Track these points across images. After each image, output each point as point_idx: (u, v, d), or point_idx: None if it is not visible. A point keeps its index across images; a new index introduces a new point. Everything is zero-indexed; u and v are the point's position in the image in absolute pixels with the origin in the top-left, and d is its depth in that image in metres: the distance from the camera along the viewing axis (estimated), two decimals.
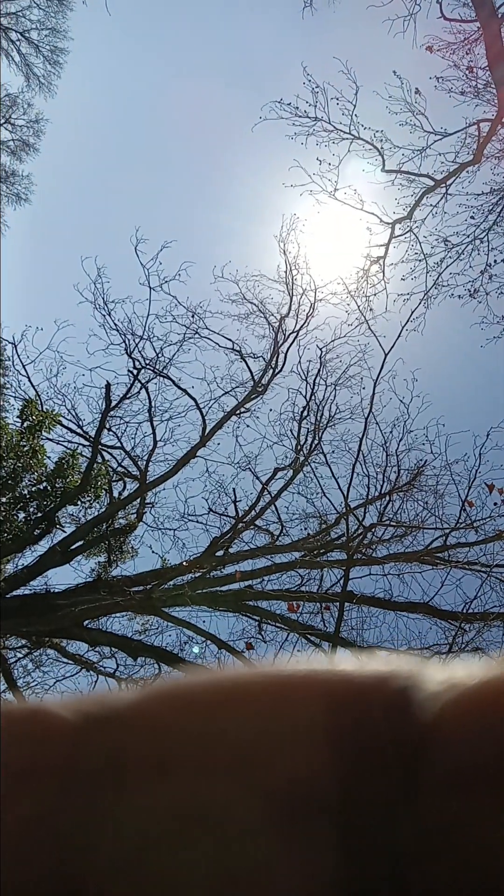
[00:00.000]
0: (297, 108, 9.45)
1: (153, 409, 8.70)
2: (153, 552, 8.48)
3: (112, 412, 8.58)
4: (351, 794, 0.17)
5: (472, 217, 9.70)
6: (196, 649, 7.23)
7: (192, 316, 9.02)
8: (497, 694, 0.18)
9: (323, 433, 8.79)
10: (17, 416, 8.72)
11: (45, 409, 8.77)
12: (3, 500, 8.16)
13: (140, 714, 0.19)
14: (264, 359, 9.33)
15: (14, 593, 7.47)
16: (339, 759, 0.18)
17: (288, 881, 0.16)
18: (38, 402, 8.79)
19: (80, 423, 8.97)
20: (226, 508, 8.49)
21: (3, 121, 13.24)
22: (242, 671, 0.20)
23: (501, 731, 0.17)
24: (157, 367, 8.81)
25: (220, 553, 7.94)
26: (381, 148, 9.55)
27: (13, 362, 8.72)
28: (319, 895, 0.16)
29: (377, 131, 9.52)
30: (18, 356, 8.71)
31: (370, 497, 7.95)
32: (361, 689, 0.19)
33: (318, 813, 0.17)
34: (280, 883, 0.16)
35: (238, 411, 9.05)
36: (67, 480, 8.50)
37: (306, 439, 8.82)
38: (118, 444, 8.88)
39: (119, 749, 0.18)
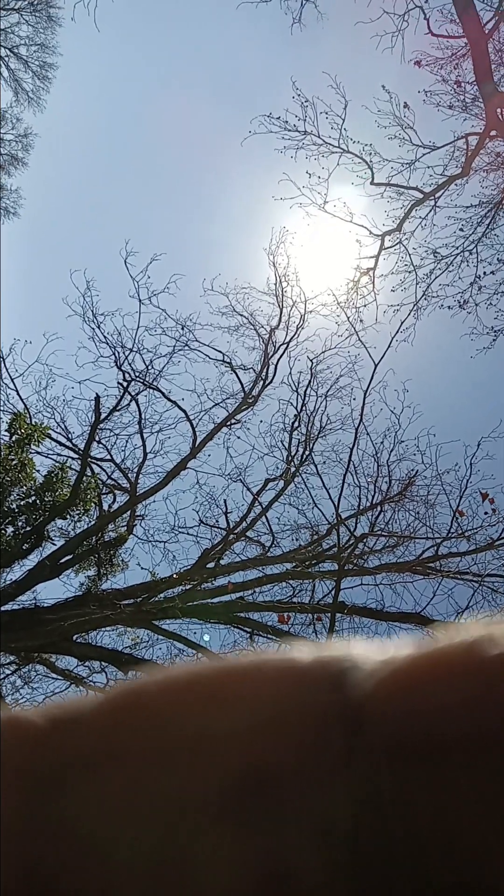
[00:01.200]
0: (287, 122, 9.55)
1: (143, 421, 8.68)
2: (142, 568, 8.42)
3: (102, 424, 8.54)
4: (296, 777, 0.18)
5: (461, 229, 9.81)
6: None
7: (182, 328, 9.03)
8: (423, 669, 0.19)
9: (314, 444, 8.79)
10: (6, 430, 8.68)
11: (33, 423, 8.72)
12: None
13: (98, 713, 0.20)
14: (255, 370, 9.34)
15: (2, 608, 7.38)
16: (285, 743, 0.18)
17: (237, 865, 0.17)
18: (27, 415, 8.74)
19: (70, 435, 8.95)
20: (217, 520, 8.47)
21: None
22: (194, 666, 0.21)
23: (427, 705, 0.18)
24: (147, 379, 8.80)
25: (211, 565, 7.89)
26: (370, 161, 9.66)
27: (1, 375, 8.69)
28: (267, 878, 0.17)
29: (366, 145, 9.64)
30: (6, 369, 8.69)
31: (361, 507, 7.95)
32: (305, 674, 0.20)
33: (267, 798, 0.17)
34: (229, 867, 0.17)
35: (228, 423, 9.03)
36: (56, 494, 8.44)
37: (297, 450, 8.82)
38: (108, 457, 8.85)
39: (78, 747, 0.20)
